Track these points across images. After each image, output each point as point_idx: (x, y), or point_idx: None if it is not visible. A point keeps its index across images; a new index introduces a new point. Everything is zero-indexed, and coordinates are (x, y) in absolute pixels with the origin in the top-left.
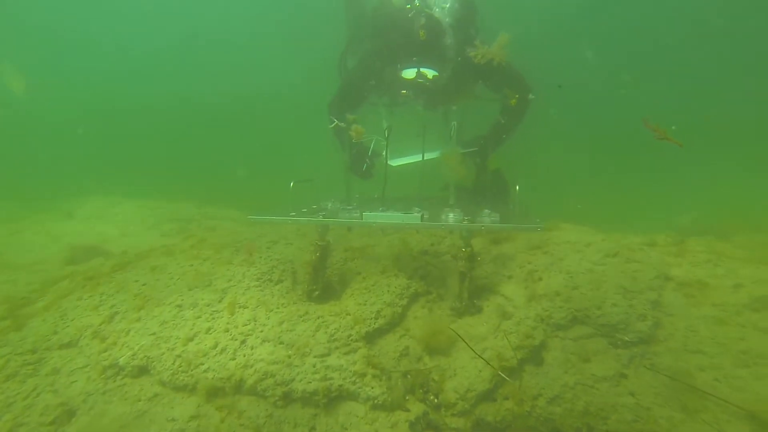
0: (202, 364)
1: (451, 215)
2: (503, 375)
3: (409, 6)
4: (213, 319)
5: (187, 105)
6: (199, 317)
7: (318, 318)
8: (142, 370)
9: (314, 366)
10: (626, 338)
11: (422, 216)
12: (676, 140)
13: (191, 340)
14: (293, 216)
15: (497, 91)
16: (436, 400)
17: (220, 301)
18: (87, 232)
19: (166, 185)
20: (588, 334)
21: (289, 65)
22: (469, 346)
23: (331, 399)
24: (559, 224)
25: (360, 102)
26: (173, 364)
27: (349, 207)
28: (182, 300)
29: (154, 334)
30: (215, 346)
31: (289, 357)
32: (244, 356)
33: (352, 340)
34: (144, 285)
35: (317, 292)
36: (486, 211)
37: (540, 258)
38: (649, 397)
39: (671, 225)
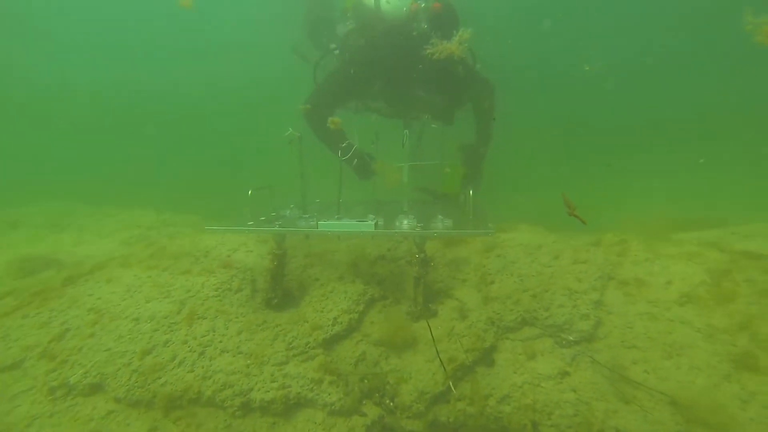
0: (160, 377)
1: (405, 222)
2: (450, 385)
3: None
4: (171, 331)
5: (145, 105)
6: (156, 330)
7: (276, 326)
8: (96, 388)
9: (272, 375)
10: (570, 338)
11: (376, 223)
12: (582, 218)
13: (148, 353)
14: (251, 225)
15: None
16: (391, 404)
17: (178, 313)
18: (37, 242)
19: (125, 190)
20: (536, 335)
21: (252, 67)
22: (435, 346)
23: (290, 407)
24: (516, 225)
25: (340, 105)
26: (129, 379)
27: (306, 215)
28: (139, 313)
29: (109, 349)
30: (173, 359)
31: (248, 366)
32: (203, 368)
33: (309, 347)
34: (99, 299)
35: (276, 300)
36: (439, 216)
37: (493, 261)
38: (588, 392)
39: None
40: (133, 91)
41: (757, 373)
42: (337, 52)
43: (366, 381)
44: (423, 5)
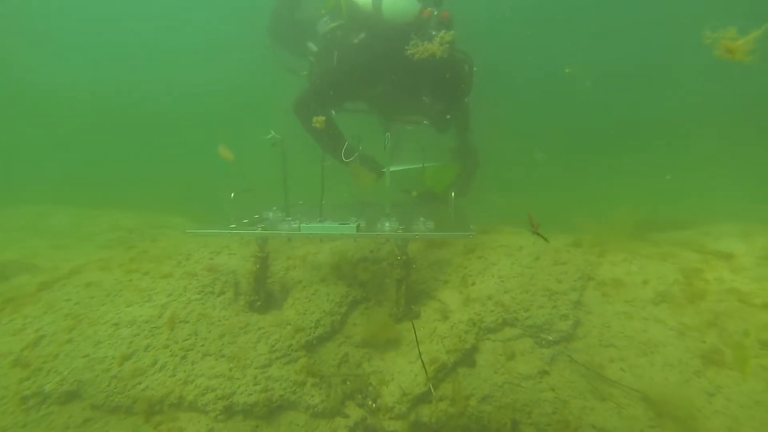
0: (140, 383)
1: (387, 224)
2: (431, 388)
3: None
4: (152, 335)
5: (125, 102)
6: (137, 335)
7: (259, 329)
8: (72, 395)
9: (255, 378)
10: (550, 338)
11: (358, 226)
12: (544, 236)
13: (128, 359)
14: (233, 228)
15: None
16: (374, 405)
17: (160, 317)
18: (11, 246)
19: (106, 192)
20: (516, 335)
21: (231, 64)
22: (418, 347)
23: (273, 410)
24: (498, 227)
25: (335, 107)
26: (108, 385)
27: (288, 218)
28: (119, 317)
29: (87, 356)
30: (154, 364)
31: (230, 370)
32: (185, 372)
33: (292, 349)
34: (77, 304)
35: (259, 303)
36: (421, 218)
37: (474, 263)
38: (566, 390)
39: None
40: (114, 90)
41: (723, 368)
42: (334, 53)
43: (348, 382)
44: (436, 13)
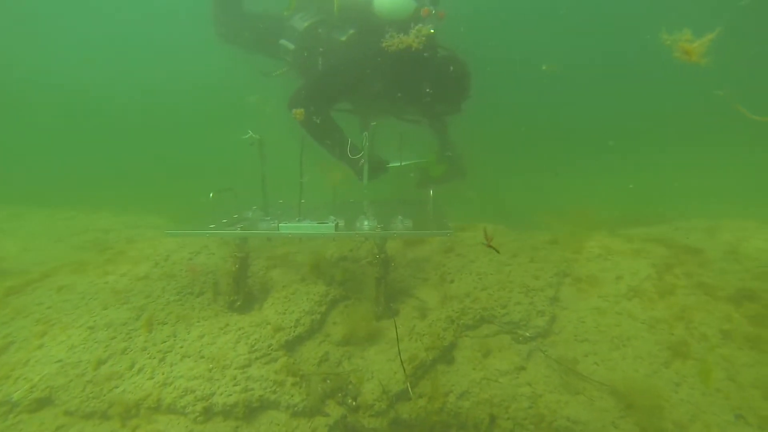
0: (117, 387)
1: (365, 223)
2: (408, 388)
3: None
4: (129, 338)
5: (99, 99)
6: (113, 338)
7: (239, 329)
8: (44, 403)
9: (235, 378)
10: (527, 334)
11: (337, 225)
12: (496, 249)
13: (104, 362)
14: (212, 228)
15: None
16: (354, 403)
17: (137, 319)
18: None
19: (81, 192)
20: (494, 332)
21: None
22: (398, 346)
23: (253, 410)
24: (476, 224)
25: (333, 105)
26: (83, 391)
27: (267, 217)
28: (95, 321)
29: (60, 361)
30: (131, 367)
31: (210, 371)
32: (163, 374)
33: (272, 349)
34: (49, 308)
35: (239, 303)
36: (399, 217)
37: (453, 260)
38: (542, 385)
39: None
40: (90, 87)
41: (689, 359)
42: (317, 50)
43: (329, 381)
44: (433, 12)
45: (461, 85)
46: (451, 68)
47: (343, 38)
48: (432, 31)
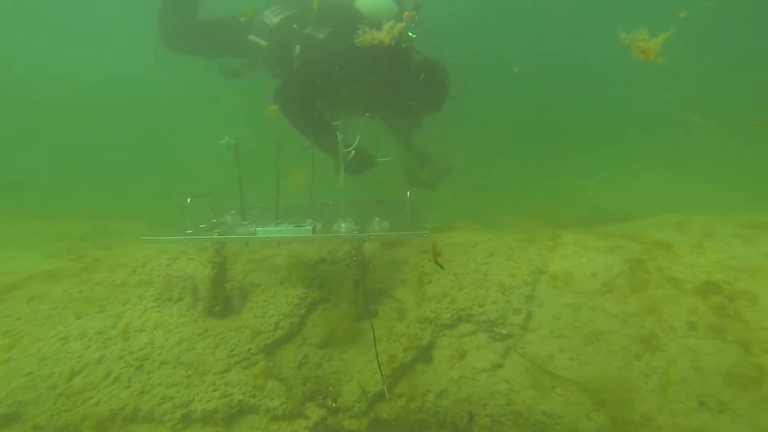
0: (91, 398)
1: (343, 225)
2: (385, 391)
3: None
4: (105, 347)
5: (76, 96)
6: (88, 347)
7: (218, 334)
8: (10, 419)
9: (214, 383)
10: (503, 331)
11: (314, 228)
12: (440, 264)
13: (78, 373)
14: (189, 234)
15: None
16: (334, 405)
17: (113, 327)
18: None
19: (56, 198)
20: (471, 330)
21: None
22: (375, 347)
23: (232, 415)
24: (454, 224)
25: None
26: (54, 404)
27: (245, 222)
28: (68, 331)
29: (29, 374)
30: (107, 376)
31: (188, 377)
32: (140, 382)
33: (251, 353)
34: (18, 319)
35: (218, 308)
36: (376, 219)
37: (430, 261)
38: (519, 382)
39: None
40: (59, 83)
41: (658, 350)
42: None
43: (309, 384)
44: (416, 17)
45: (443, 86)
46: (432, 69)
47: (321, 36)
48: (414, 36)
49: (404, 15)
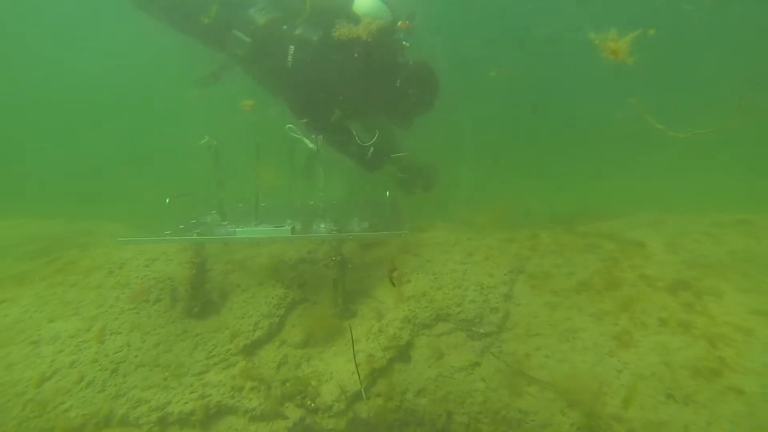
0: (63, 403)
1: (322, 225)
2: (363, 392)
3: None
4: (79, 351)
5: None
6: (60, 351)
7: (196, 335)
8: None
9: (192, 385)
10: (481, 330)
11: (293, 228)
12: (393, 282)
13: (48, 379)
14: (167, 235)
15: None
16: (313, 404)
17: (88, 330)
18: None
19: (31, 199)
20: (449, 329)
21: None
22: (353, 348)
23: (210, 416)
24: (434, 224)
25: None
26: (22, 411)
27: (225, 222)
28: (39, 335)
29: None
30: (80, 380)
31: (165, 380)
32: (115, 386)
33: (230, 354)
34: None
35: (197, 309)
36: (355, 219)
37: (410, 260)
38: (496, 380)
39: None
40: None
41: (630, 346)
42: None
43: (288, 384)
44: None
45: (433, 88)
46: (424, 72)
47: (315, 38)
48: (407, 44)
49: (399, 24)
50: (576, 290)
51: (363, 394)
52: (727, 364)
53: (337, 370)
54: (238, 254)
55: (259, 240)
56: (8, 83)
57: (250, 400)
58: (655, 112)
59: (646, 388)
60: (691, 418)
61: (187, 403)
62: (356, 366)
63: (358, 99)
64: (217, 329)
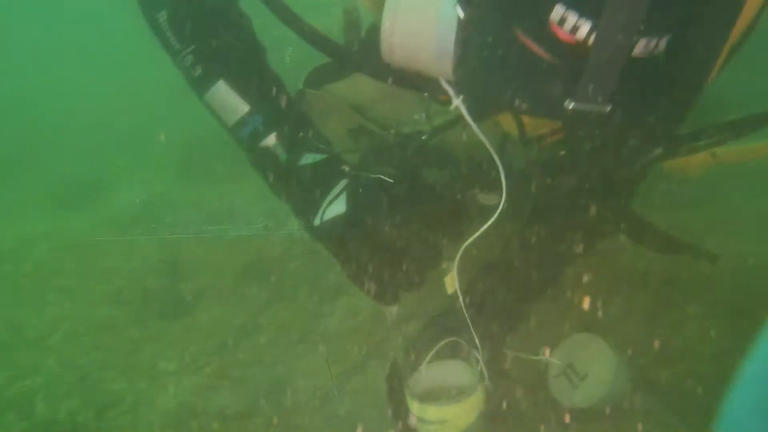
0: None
1: (296, 221)
2: (335, 390)
3: None
4: (42, 357)
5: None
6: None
7: (168, 336)
8: None
9: (164, 386)
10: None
11: (266, 225)
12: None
13: (9, 387)
14: (138, 234)
15: None
16: (289, 402)
17: (54, 333)
18: None
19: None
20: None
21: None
22: (325, 346)
23: (182, 418)
24: None
25: None
26: None
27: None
28: None
29: None
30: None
31: (135, 382)
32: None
33: (204, 354)
34: None
35: (170, 309)
36: None
37: None
38: None
39: None
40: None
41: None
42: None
43: (263, 382)
44: None
45: None
46: None
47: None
48: None
49: None
50: None
51: (335, 392)
52: None
53: (313, 367)
54: (213, 253)
55: (233, 238)
56: None
57: (225, 398)
58: None
59: None
60: None
61: (158, 404)
62: (328, 364)
63: None
64: (191, 329)
